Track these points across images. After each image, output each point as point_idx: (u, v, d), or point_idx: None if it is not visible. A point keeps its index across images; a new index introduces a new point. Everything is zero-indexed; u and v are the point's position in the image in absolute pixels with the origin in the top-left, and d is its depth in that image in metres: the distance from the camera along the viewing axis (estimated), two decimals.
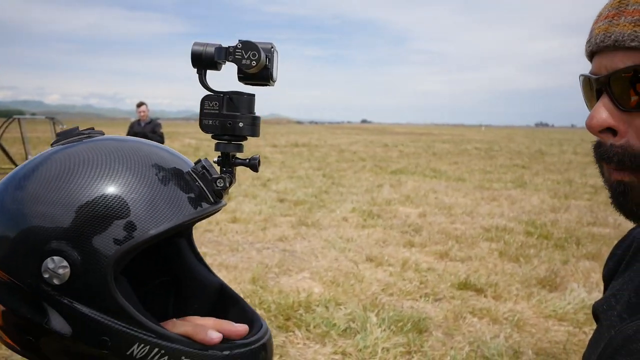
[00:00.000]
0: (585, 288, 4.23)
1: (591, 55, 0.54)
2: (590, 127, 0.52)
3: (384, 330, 3.32)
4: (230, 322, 0.60)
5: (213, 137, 0.58)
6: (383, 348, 3.11)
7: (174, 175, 0.58)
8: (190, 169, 0.59)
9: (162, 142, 6.99)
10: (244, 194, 8.89)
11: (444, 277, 4.47)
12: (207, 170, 0.58)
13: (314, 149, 22.58)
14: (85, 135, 0.62)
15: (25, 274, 0.53)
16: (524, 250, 5.42)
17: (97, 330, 0.53)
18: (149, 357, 0.53)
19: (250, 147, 22.72)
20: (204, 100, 0.57)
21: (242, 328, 0.60)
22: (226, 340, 0.58)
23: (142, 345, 0.53)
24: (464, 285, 4.24)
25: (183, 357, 0.54)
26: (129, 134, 7.12)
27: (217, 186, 0.58)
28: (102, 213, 0.53)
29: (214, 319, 0.61)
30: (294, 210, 7.47)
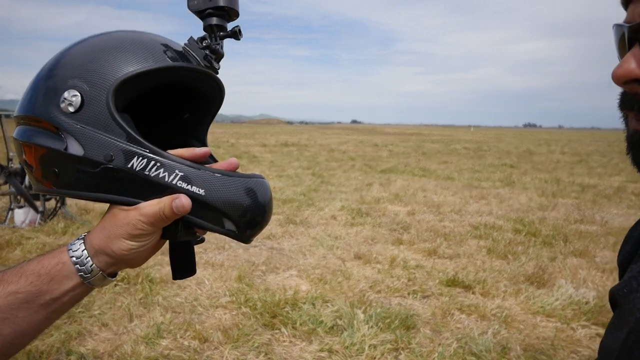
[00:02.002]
0: (573, 284, 4.22)
1: (626, 3, 0.50)
2: (615, 76, 0.47)
3: (372, 327, 3.27)
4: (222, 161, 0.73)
5: (200, 16, 0.66)
6: (370, 345, 3.06)
7: (169, 44, 0.69)
8: (183, 43, 0.69)
9: None
10: None
11: (432, 274, 4.44)
12: (197, 42, 0.68)
13: (303, 148, 22.51)
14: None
15: (50, 109, 0.65)
16: (512, 247, 5.42)
17: (103, 147, 0.63)
18: (147, 169, 0.63)
19: (240, 146, 22.60)
20: None
21: (234, 161, 0.72)
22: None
23: (141, 158, 0.63)
24: (452, 282, 4.22)
25: (177, 171, 0.63)
26: None
27: (207, 51, 0.67)
28: (104, 55, 0.66)
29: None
30: (282, 209, 7.40)
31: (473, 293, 4.04)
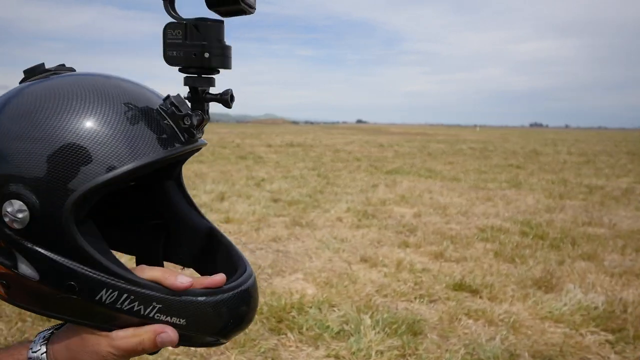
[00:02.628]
0: (582, 289, 4.19)
1: None
2: None
3: (378, 332, 3.26)
4: (207, 276, 0.58)
5: (180, 70, 0.53)
6: (377, 351, 3.04)
7: (141, 113, 0.54)
8: (158, 106, 0.54)
9: None
10: (238, 194, 8.81)
11: (439, 278, 4.42)
12: (176, 107, 0.53)
13: (309, 149, 22.50)
14: (51, 72, 0.58)
15: None
16: (519, 250, 5.38)
17: (63, 274, 0.51)
18: (119, 302, 0.52)
19: (245, 147, 22.63)
20: (166, 28, 0.51)
21: (218, 278, 0.57)
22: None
23: (111, 290, 0.52)
24: (459, 286, 4.19)
25: (154, 303, 0.53)
26: None
27: (184, 124, 0.53)
28: (59, 154, 0.50)
29: (190, 274, 0.59)
30: (288, 211, 7.40)
31: (480, 297, 4.01)
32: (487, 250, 5.42)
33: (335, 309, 3.66)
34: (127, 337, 0.54)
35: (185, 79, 0.53)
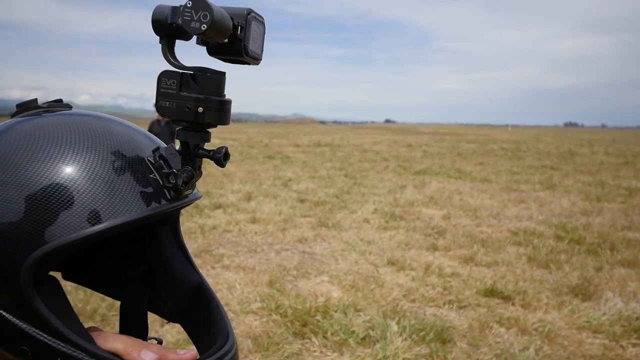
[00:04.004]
0: (622, 298, 3.97)
1: None
2: None
3: (405, 339, 3.16)
4: (175, 350, 0.52)
5: (173, 121, 0.48)
6: (404, 359, 2.95)
7: (127, 164, 0.49)
8: (146, 158, 0.50)
9: None
10: (264, 194, 8.82)
11: (469, 283, 4.27)
12: (165, 161, 0.49)
13: (336, 148, 22.43)
14: (44, 109, 0.53)
15: None
16: (554, 255, 5.16)
17: (16, 338, 0.47)
18: None
19: (273, 146, 22.75)
20: (161, 76, 0.47)
21: (188, 356, 0.51)
22: None
23: None
24: (491, 292, 4.04)
25: None
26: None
27: (169, 182, 0.49)
28: (20, 210, 0.44)
29: (158, 345, 0.53)
30: (314, 211, 7.35)
31: (513, 304, 3.85)
32: (519, 255, 5.23)
33: (361, 313, 3.58)
34: None
35: (178, 131, 0.49)
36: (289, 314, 3.50)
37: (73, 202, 0.45)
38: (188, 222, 6.32)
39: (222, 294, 3.94)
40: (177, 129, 0.49)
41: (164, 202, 0.50)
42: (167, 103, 0.47)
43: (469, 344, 3.22)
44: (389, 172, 12.85)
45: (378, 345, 3.09)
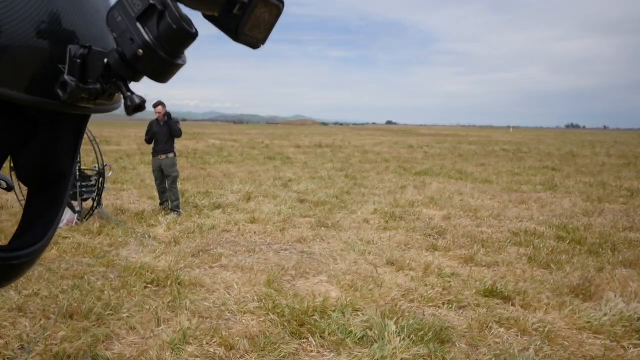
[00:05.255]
0: (623, 298, 3.93)
1: None
2: None
3: (403, 339, 3.12)
4: None
5: (114, 39, 0.43)
6: (402, 359, 2.91)
7: (47, 35, 0.42)
8: (69, 46, 0.43)
9: (180, 134, 7.04)
10: (264, 194, 8.79)
11: (469, 283, 4.23)
12: (83, 66, 0.43)
13: (337, 149, 22.39)
14: None
15: None
16: (555, 255, 5.12)
17: None
18: None
19: (274, 147, 22.72)
20: None
21: None
22: None
23: None
24: (490, 292, 4.00)
25: None
26: (148, 133, 7.10)
27: (62, 92, 0.42)
28: None
29: None
30: (314, 211, 7.31)
31: (512, 305, 3.81)
32: (520, 255, 5.18)
33: (359, 313, 3.54)
34: None
35: (110, 51, 0.43)
36: (286, 314, 3.47)
37: None
38: (186, 222, 6.29)
39: (219, 294, 3.91)
40: (111, 48, 0.43)
41: (55, 100, 0.44)
42: (119, 19, 0.42)
43: (468, 344, 3.18)
44: (390, 173, 12.81)
45: (376, 345, 3.05)
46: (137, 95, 0.44)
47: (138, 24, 0.41)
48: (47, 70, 0.44)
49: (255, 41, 0.42)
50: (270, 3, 0.41)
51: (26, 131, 0.57)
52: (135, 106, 0.43)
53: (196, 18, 0.43)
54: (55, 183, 0.61)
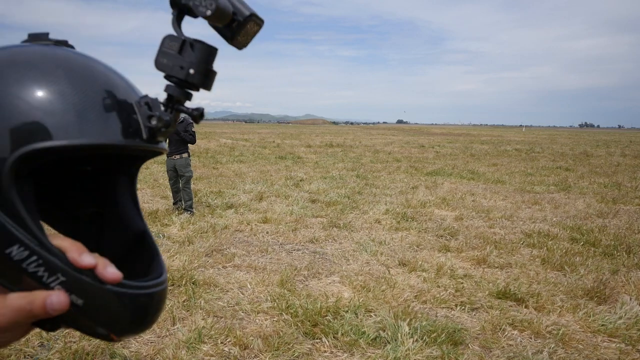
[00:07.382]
0: (639, 301, 3.90)
1: None
2: None
3: (416, 340, 3.13)
4: (109, 263, 0.55)
5: (165, 77, 0.55)
6: None
7: (115, 100, 0.56)
8: (134, 101, 0.57)
9: (194, 140, 7.03)
10: (276, 194, 8.83)
11: (482, 285, 4.23)
12: (149, 106, 0.56)
13: (348, 149, 22.39)
14: (52, 42, 0.60)
15: None
16: (569, 258, 5.09)
17: None
18: (26, 262, 0.51)
19: (285, 147, 22.77)
20: (165, 38, 0.55)
21: (115, 273, 0.54)
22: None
23: (23, 248, 0.51)
24: (503, 294, 3.99)
25: (59, 275, 0.52)
26: None
27: (149, 123, 0.55)
28: (15, 107, 0.51)
29: (97, 255, 0.56)
30: (325, 212, 7.33)
31: (526, 307, 3.80)
32: (533, 257, 5.16)
33: (371, 314, 3.56)
34: (19, 296, 0.52)
35: (167, 86, 0.56)
36: (300, 314, 3.50)
37: (57, 115, 0.52)
38: (200, 222, 6.35)
39: (233, 294, 3.96)
40: (166, 84, 0.55)
41: (138, 140, 0.56)
42: (165, 60, 0.54)
43: (481, 346, 3.19)
44: (401, 173, 12.79)
45: (389, 347, 3.07)
46: (196, 108, 0.57)
47: (180, 55, 0.54)
48: (126, 121, 0.56)
49: (242, 45, 0.57)
50: (256, 22, 0.56)
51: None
52: (201, 113, 0.57)
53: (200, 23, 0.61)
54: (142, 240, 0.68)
